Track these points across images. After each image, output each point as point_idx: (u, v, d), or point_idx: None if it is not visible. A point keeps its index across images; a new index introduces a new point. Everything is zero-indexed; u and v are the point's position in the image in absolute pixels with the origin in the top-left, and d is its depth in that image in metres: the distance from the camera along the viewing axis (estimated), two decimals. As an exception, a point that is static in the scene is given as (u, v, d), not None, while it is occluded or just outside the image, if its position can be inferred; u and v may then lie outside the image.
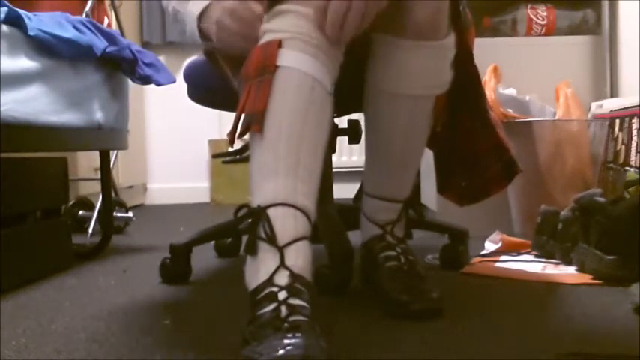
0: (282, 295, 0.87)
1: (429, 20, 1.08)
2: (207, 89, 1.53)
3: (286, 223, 0.93)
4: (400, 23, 1.09)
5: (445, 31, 1.13)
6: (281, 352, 0.78)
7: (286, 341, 0.79)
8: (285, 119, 0.95)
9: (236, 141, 1.00)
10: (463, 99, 1.28)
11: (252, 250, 0.93)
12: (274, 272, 0.90)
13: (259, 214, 0.93)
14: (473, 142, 1.31)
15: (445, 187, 1.39)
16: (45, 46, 1.58)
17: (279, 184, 0.94)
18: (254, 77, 0.98)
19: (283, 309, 0.85)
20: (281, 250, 0.91)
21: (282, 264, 0.90)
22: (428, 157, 1.39)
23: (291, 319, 0.84)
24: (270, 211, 0.93)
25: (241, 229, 0.95)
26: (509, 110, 2.12)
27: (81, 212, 2.53)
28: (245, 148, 1.76)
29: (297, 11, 0.98)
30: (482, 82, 2.11)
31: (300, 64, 0.96)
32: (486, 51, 2.17)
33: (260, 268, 0.91)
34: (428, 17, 1.08)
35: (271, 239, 0.92)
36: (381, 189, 1.28)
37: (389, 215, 1.27)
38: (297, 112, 0.95)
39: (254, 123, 0.96)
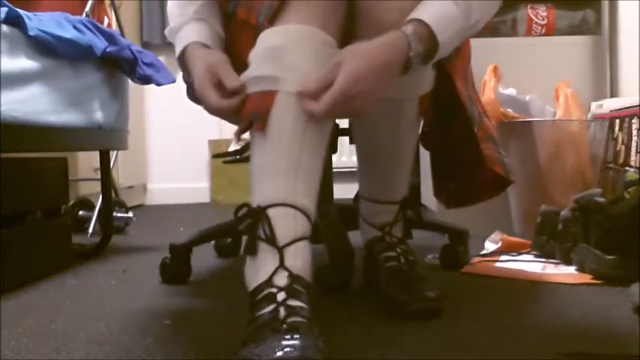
0: (281, 296, 0.87)
1: (397, 22, 1.03)
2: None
3: (286, 224, 0.93)
4: (371, 28, 1.04)
5: None
6: (279, 353, 0.78)
7: (284, 343, 0.79)
8: (287, 119, 0.95)
9: (237, 139, 1.00)
10: (450, 111, 1.27)
11: (252, 250, 0.93)
12: (274, 273, 0.89)
13: (259, 214, 0.93)
14: (461, 150, 1.30)
15: (437, 188, 1.39)
16: (45, 46, 1.58)
17: (279, 184, 0.94)
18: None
19: (282, 310, 0.85)
20: (281, 250, 0.91)
21: (281, 265, 0.90)
22: (428, 158, 1.40)
23: (289, 320, 0.84)
24: (270, 211, 0.93)
25: (241, 229, 0.95)
26: (509, 110, 2.12)
27: (81, 212, 2.53)
28: (245, 148, 1.76)
29: (293, 48, 0.96)
30: (482, 83, 2.13)
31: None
32: (486, 51, 2.17)
33: (259, 268, 0.91)
34: (395, 19, 1.03)
35: (271, 240, 0.91)
36: (374, 192, 1.29)
37: (386, 217, 1.28)
38: (299, 112, 0.95)
39: (257, 121, 0.95)
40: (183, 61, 1.14)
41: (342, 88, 0.92)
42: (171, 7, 1.22)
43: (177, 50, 1.15)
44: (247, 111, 0.98)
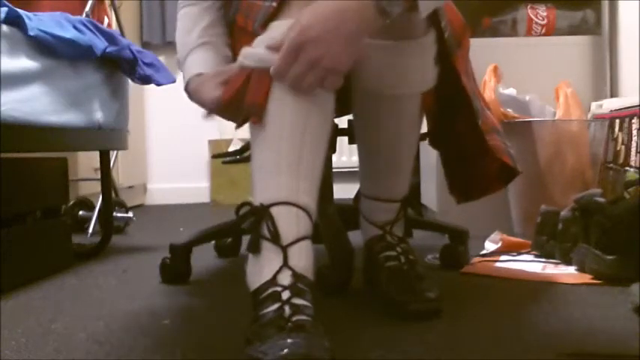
0: (285, 294, 0.87)
1: (404, 19, 1.02)
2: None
3: (289, 222, 0.93)
4: None
5: (423, 29, 1.12)
6: (285, 351, 0.78)
7: (290, 341, 0.79)
8: (287, 116, 0.95)
9: (235, 131, 1.01)
10: (454, 106, 1.27)
11: (256, 248, 0.93)
12: (278, 272, 0.90)
13: (262, 213, 0.93)
14: (467, 145, 1.30)
15: (451, 185, 1.39)
16: (45, 46, 1.59)
17: (281, 182, 0.94)
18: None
19: (287, 309, 0.85)
20: (285, 249, 0.91)
21: (285, 264, 0.90)
22: (428, 157, 1.40)
23: (294, 318, 0.84)
24: (273, 210, 0.93)
25: (244, 227, 0.95)
26: (509, 110, 2.12)
27: (81, 212, 2.53)
28: (245, 148, 1.76)
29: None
30: (482, 83, 2.13)
31: None
32: (486, 51, 2.17)
33: (263, 267, 0.91)
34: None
35: (275, 238, 0.91)
36: (376, 190, 1.29)
37: (387, 215, 1.28)
38: (299, 109, 0.95)
39: (253, 114, 0.95)
40: (190, 94, 1.20)
41: (289, 36, 0.91)
42: (177, 37, 1.28)
43: (184, 84, 1.21)
44: (245, 103, 0.97)
